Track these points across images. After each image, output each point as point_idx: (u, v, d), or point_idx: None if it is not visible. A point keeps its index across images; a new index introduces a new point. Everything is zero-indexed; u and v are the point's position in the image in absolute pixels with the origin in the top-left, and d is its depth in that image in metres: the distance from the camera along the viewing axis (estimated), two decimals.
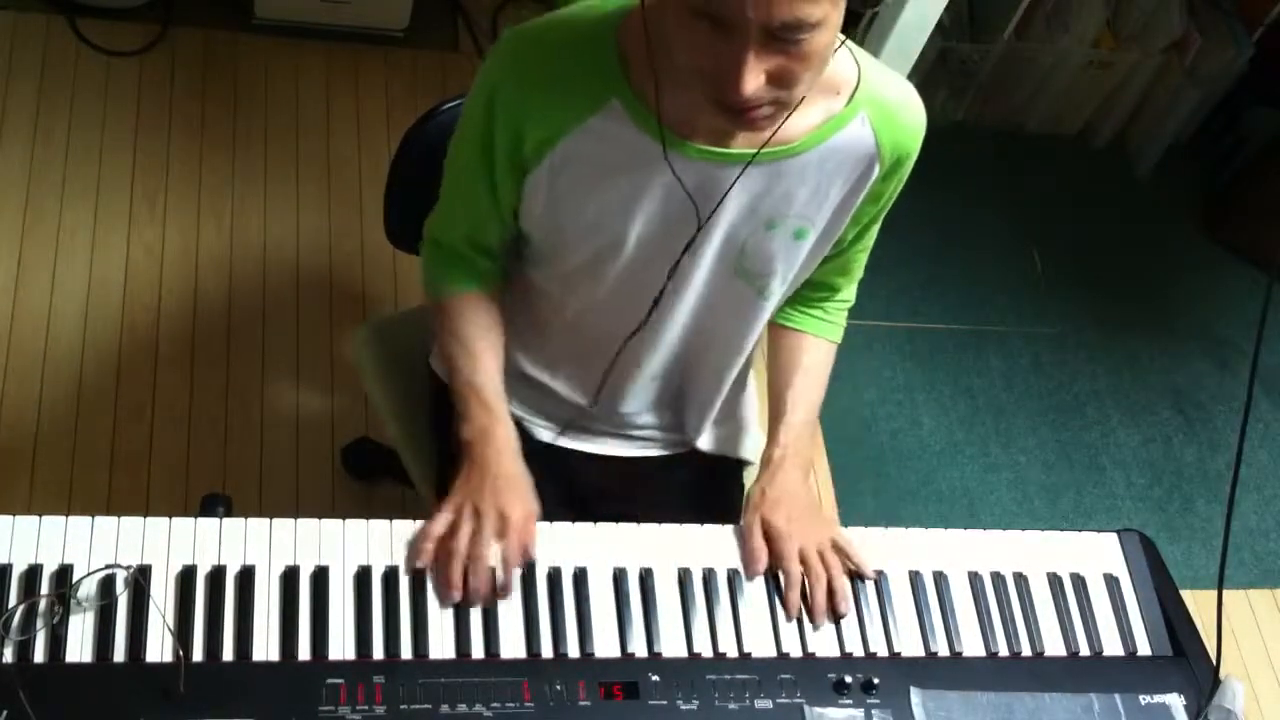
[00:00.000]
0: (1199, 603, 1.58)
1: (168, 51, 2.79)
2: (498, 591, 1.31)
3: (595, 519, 1.41)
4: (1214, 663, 1.43)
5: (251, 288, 2.52)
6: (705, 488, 1.69)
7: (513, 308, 1.56)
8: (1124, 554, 1.53)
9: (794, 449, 1.51)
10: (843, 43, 1.23)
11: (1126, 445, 2.85)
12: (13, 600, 1.20)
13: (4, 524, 1.25)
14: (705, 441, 1.67)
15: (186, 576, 1.25)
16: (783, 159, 1.32)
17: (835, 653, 1.37)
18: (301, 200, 2.66)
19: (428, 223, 1.52)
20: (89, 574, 1.23)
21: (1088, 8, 3.02)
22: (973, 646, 1.41)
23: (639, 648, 1.32)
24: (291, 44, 2.87)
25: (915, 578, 1.44)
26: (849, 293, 1.61)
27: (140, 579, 1.23)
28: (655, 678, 1.28)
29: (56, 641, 1.19)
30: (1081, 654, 1.43)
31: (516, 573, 1.33)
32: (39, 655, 1.18)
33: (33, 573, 1.22)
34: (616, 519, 1.42)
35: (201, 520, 1.29)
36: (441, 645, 1.27)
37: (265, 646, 1.23)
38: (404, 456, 1.78)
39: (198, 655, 1.21)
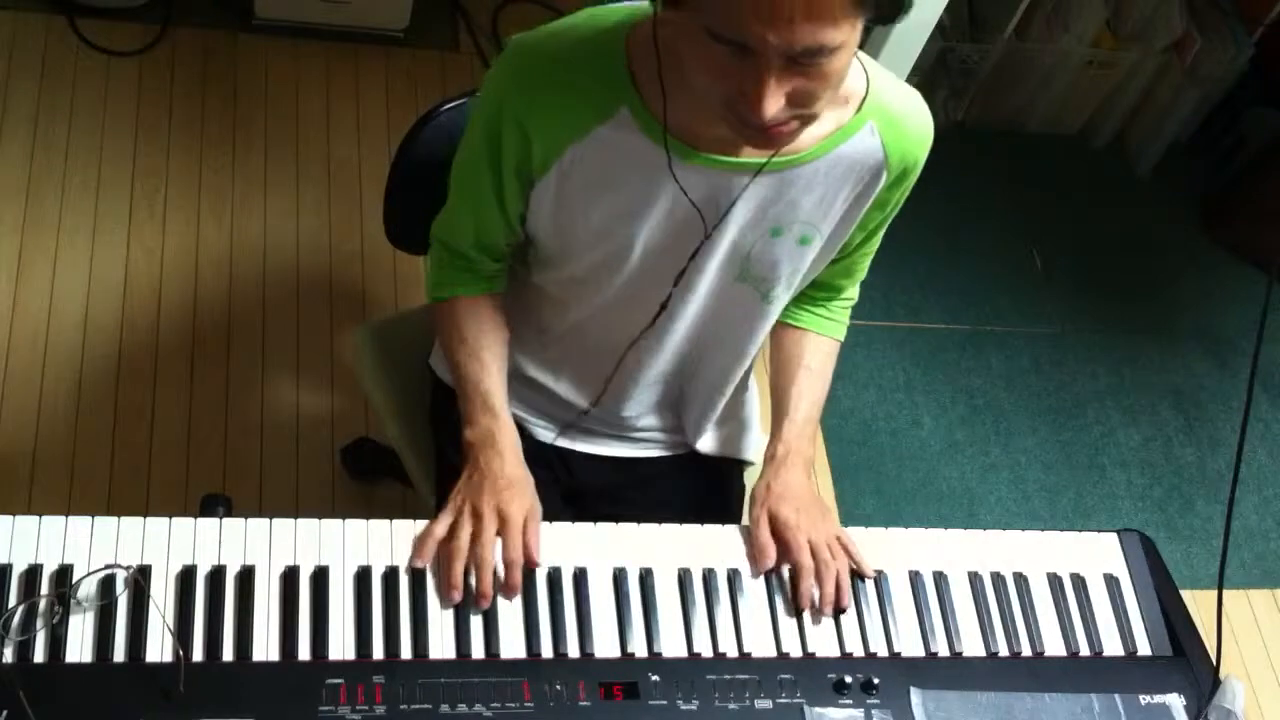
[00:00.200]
0: (1199, 603, 1.58)
1: (168, 51, 2.79)
2: (505, 590, 1.31)
3: (595, 519, 1.41)
4: (1214, 663, 1.43)
5: (251, 288, 2.52)
6: (705, 488, 1.70)
7: (516, 310, 1.56)
8: (1124, 554, 1.53)
9: (797, 446, 1.51)
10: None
11: (1126, 445, 2.85)
12: (13, 600, 1.20)
13: (4, 524, 1.25)
14: (705, 443, 1.67)
15: (186, 576, 1.25)
16: (790, 167, 1.32)
17: (835, 653, 1.37)
18: (301, 200, 2.66)
19: (435, 225, 1.52)
20: (89, 574, 1.23)
21: (1088, 8, 3.02)
22: (973, 646, 1.41)
23: (639, 648, 1.32)
24: (291, 44, 2.87)
25: (915, 578, 1.44)
26: (852, 292, 1.62)
27: (140, 579, 1.23)
28: (655, 678, 1.28)
29: (56, 641, 1.19)
30: (1081, 654, 1.43)
31: (519, 572, 1.33)
32: (39, 655, 1.18)
33: (33, 573, 1.22)
34: (616, 519, 1.42)
35: (201, 520, 1.29)
36: (441, 645, 1.27)
37: (265, 646, 1.23)
38: (404, 456, 1.78)
39: (197, 655, 1.21)
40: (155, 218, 2.56)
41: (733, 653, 1.33)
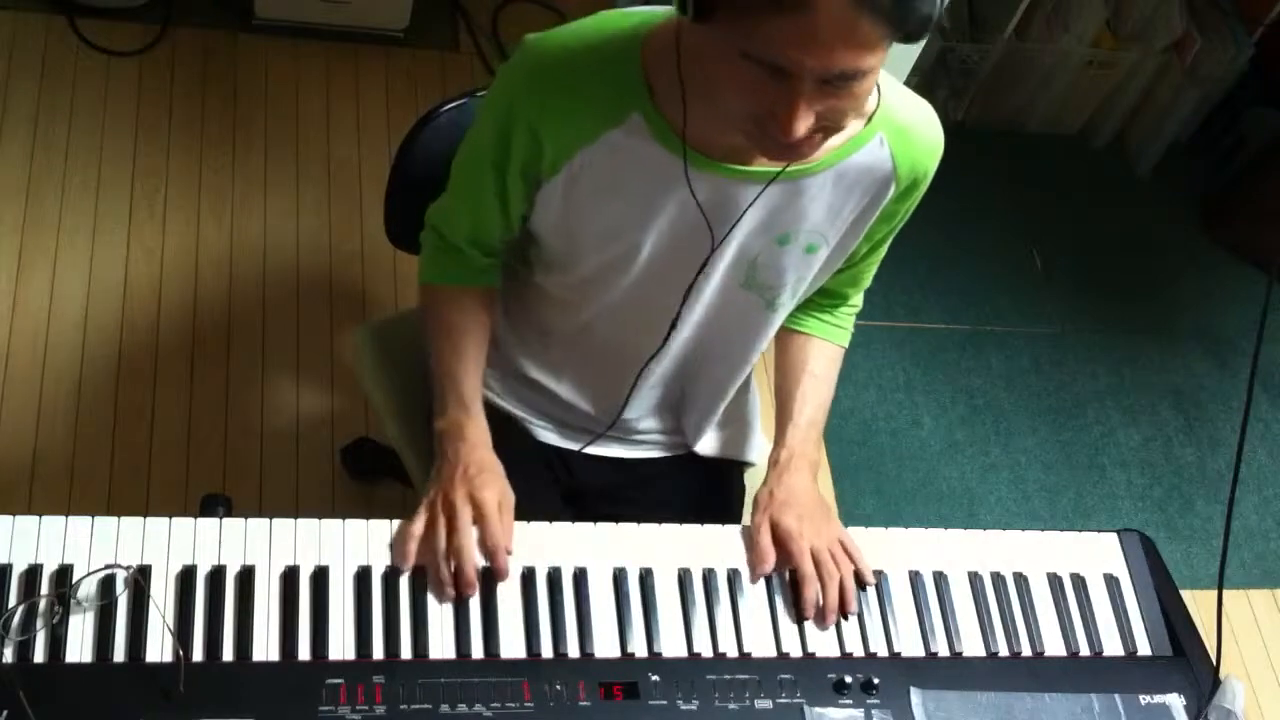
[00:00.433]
0: (1199, 603, 1.58)
1: (168, 51, 2.79)
2: (495, 576, 1.31)
3: (595, 519, 1.41)
4: (1214, 663, 1.43)
5: (251, 288, 2.52)
6: (706, 488, 1.69)
7: (517, 310, 1.56)
8: (1124, 554, 1.52)
9: (801, 451, 1.51)
10: None
11: (1126, 445, 2.85)
12: (13, 600, 1.20)
13: (4, 524, 1.25)
14: (705, 446, 1.67)
15: (186, 576, 1.25)
16: (800, 177, 1.32)
17: (835, 653, 1.37)
18: (301, 200, 2.66)
19: (430, 210, 1.52)
20: (89, 574, 1.23)
21: (1088, 8, 3.02)
22: (973, 646, 1.41)
23: (639, 648, 1.32)
24: (291, 44, 2.87)
25: (915, 578, 1.44)
26: (857, 299, 1.62)
27: (140, 579, 1.23)
28: (655, 678, 1.28)
29: (56, 641, 1.19)
30: (1081, 654, 1.43)
31: (504, 556, 1.33)
32: (39, 655, 1.18)
33: (33, 573, 1.22)
34: (617, 519, 1.42)
35: (201, 520, 1.29)
36: (441, 645, 1.27)
37: (265, 646, 1.23)
38: (404, 456, 1.78)
39: (197, 655, 1.21)
40: (155, 218, 2.56)
41: (733, 653, 1.33)
